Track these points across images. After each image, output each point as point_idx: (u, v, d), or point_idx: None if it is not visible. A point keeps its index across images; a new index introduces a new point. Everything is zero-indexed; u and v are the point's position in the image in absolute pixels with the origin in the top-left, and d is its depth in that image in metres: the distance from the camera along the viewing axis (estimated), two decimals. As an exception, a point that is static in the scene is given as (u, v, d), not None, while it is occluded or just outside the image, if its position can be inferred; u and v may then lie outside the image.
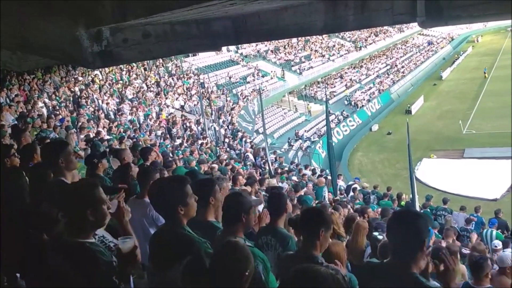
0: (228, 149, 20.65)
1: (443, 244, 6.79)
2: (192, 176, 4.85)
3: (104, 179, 5.44)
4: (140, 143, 13.11)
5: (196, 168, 10.77)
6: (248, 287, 2.26)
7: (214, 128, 22.45)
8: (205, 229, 3.28)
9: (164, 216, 3.06)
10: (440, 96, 43.56)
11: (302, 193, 10.66)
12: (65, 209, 2.57)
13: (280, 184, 12.71)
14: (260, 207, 6.35)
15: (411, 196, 13.24)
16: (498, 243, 8.72)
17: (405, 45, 61.94)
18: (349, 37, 52.30)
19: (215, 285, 2.20)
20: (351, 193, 14.96)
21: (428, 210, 13.02)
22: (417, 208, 12.35)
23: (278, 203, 3.95)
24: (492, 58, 56.36)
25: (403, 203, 13.89)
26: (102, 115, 17.63)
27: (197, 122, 22.81)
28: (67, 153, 3.87)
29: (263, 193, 8.89)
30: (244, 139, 22.92)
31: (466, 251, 7.46)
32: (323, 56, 45.57)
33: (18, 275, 2.95)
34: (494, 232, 10.70)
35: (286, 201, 4.00)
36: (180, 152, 15.61)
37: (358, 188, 15.60)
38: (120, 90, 22.80)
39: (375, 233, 5.30)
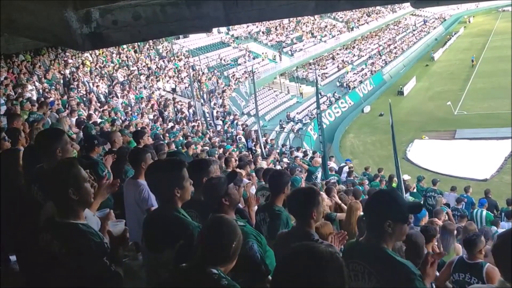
0: (219, 131, 20.64)
1: (439, 223, 6.86)
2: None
3: (98, 162, 5.40)
4: (131, 127, 13.07)
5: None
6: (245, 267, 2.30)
7: (204, 110, 22.36)
8: (201, 207, 3.39)
9: (159, 198, 3.08)
10: (432, 77, 43.55)
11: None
12: (47, 192, 2.55)
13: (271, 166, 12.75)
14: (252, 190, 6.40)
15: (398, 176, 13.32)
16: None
17: (397, 26, 61.63)
18: (341, 17, 51.94)
19: (207, 258, 2.24)
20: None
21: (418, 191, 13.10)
22: (403, 188, 12.36)
23: (278, 183, 4.04)
24: (484, 39, 56.32)
25: (394, 184, 13.92)
26: (94, 98, 17.48)
27: (189, 105, 22.72)
28: (64, 142, 3.60)
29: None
30: (235, 122, 22.89)
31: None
32: (315, 37, 45.28)
33: (11, 258, 2.95)
34: (484, 212, 10.82)
35: (287, 181, 4.07)
36: (172, 134, 15.59)
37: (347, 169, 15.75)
38: (111, 73, 22.59)
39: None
